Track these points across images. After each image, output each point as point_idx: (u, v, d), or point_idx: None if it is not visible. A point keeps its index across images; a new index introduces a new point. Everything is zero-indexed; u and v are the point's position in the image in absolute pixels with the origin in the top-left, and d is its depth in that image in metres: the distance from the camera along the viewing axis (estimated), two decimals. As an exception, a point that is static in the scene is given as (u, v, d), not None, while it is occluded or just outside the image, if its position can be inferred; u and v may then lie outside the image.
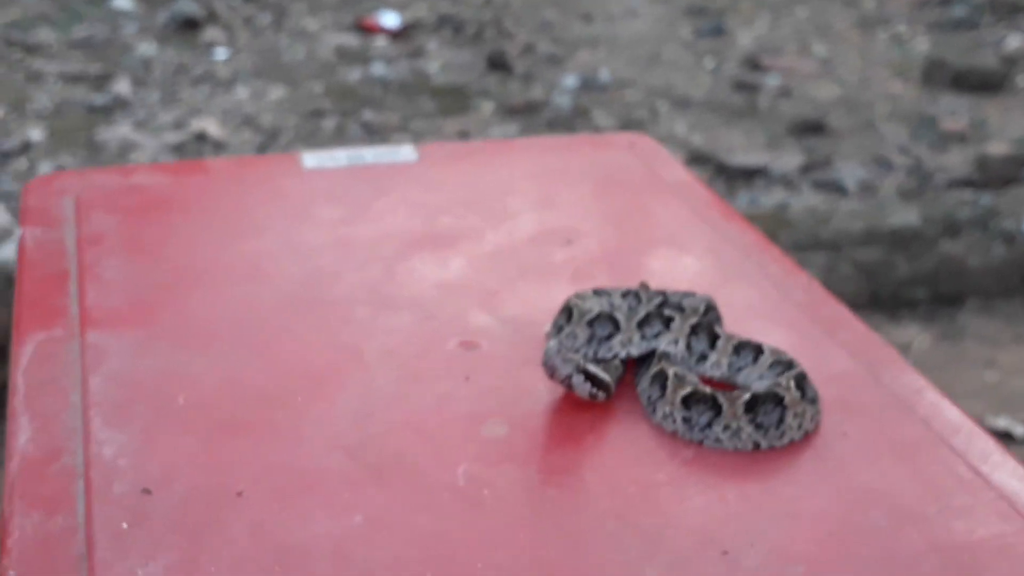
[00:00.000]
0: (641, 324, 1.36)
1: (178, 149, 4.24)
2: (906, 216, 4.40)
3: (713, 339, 1.35)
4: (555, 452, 1.25)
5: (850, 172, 4.63)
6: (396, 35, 5.36)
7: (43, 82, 4.68)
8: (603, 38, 5.53)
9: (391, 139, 4.51)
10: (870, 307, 4.29)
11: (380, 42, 5.29)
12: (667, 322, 1.36)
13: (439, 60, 5.19)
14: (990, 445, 1.27)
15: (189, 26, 5.19)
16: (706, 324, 1.36)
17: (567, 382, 1.28)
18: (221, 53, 5.01)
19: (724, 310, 1.47)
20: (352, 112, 4.66)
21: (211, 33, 5.20)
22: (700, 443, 1.26)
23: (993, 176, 4.69)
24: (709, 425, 1.26)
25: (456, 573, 1.08)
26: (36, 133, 4.28)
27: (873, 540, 1.13)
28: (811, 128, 4.94)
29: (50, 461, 1.20)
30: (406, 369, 1.37)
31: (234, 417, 1.28)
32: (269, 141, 4.41)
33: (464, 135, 4.57)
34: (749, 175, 4.60)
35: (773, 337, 1.42)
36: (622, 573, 1.08)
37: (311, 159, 1.83)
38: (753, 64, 5.40)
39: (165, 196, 1.72)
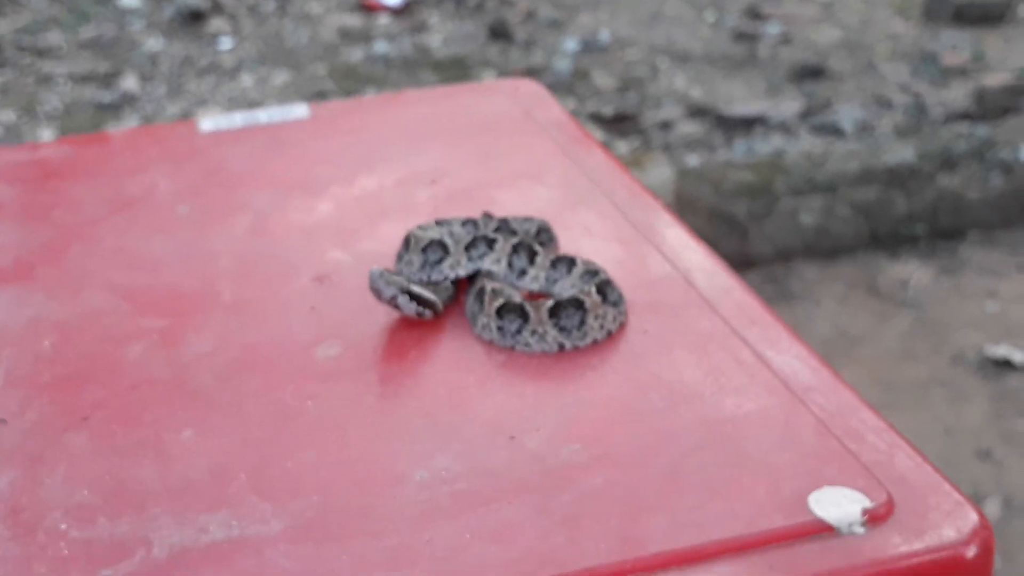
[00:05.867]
0: (468, 247, 1.47)
1: (182, 138, 4.39)
2: (902, 153, 4.43)
3: (532, 256, 1.46)
4: (380, 366, 1.37)
5: (848, 114, 4.68)
6: (398, 12, 5.47)
7: (53, 84, 4.85)
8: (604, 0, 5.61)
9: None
10: (870, 246, 4.34)
11: (383, 20, 5.41)
12: (491, 244, 1.47)
13: (441, 33, 5.30)
14: (782, 334, 1.37)
15: (194, 18, 5.34)
16: (526, 243, 1.47)
17: (393, 303, 1.40)
18: (226, 43, 5.16)
19: (564, 232, 1.58)
20: (355, 91, 4.78)
21: (216, 24, 5.34)
22: (512, 348, 1.37)
23: (990, 107, 4.71)
24: (519, 331, 1.37)
25: (266, 473, 1.20)
26: (47, 134, 4.44)
27: (647, 420, 1.24)
28: (811, 73, 5.00)
29: (-77, 398, 1.34)
30: (258, 307, 1.50)
31: (91, 355, 1.41)
32: (272, 125, 4.55)
33: (465, 106, 4.68)
34: (747, 124, 4.67)
35: (604, 253, 1.53)
36: (416, 462, 1.20)
37: (207, 123, 1.96)
38: (754, 14, 5.46)
39: (64, 167, 1.86)
